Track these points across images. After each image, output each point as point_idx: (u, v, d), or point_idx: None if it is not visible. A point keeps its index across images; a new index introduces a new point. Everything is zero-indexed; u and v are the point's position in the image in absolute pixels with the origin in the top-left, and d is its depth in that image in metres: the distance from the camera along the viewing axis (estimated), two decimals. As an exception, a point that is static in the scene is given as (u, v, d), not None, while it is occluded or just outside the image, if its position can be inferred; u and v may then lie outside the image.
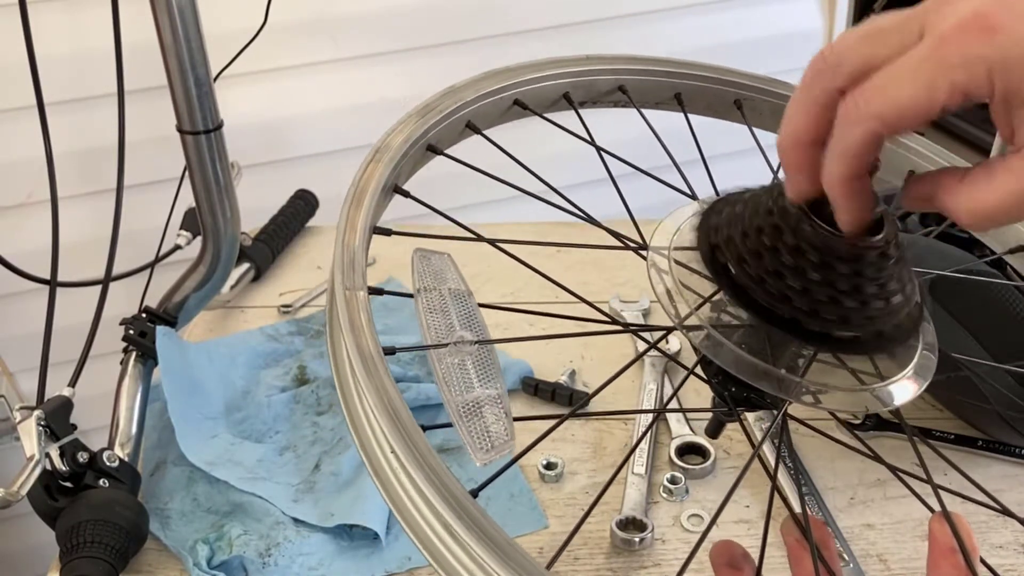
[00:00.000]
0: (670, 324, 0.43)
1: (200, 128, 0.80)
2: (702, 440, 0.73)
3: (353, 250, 0.41)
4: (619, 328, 0.51)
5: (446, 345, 0.41)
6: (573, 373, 0.83)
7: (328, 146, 1.35)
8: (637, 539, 0.65)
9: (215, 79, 0.81)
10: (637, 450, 0.73)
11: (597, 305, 0.50)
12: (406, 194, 0.47)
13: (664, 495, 0.70)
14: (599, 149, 0.54)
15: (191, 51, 0.77)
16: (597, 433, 0.77)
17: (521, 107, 0.54)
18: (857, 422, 0.75)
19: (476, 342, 0.41)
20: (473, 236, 0.47)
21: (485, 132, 0.53)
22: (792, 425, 0.70)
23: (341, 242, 0.41)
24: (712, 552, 0.44)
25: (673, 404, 0.79)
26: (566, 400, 0.79)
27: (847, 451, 0.73)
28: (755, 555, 0.44)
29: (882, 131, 0.35)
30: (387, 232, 0.44)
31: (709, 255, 0.42)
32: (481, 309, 0.44)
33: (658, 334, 0.49)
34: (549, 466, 0.72)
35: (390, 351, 0.38)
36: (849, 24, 1.58)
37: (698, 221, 0.44)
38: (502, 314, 0.47)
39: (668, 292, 0.43)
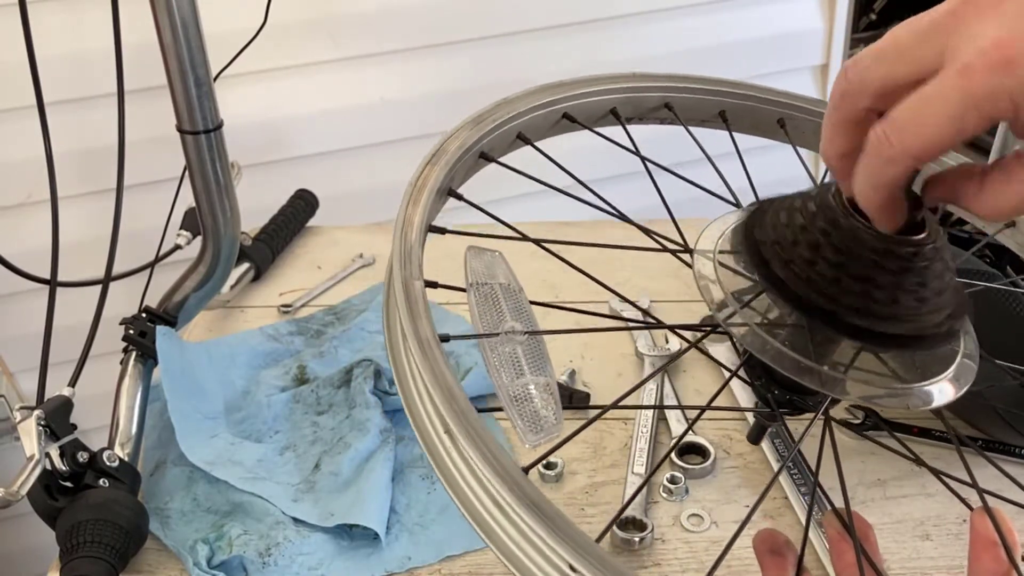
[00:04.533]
0: (711, 324, 0.45)
1: (200, 128, 0.80)
2: (702, 440, 0.73)
3: (411, 244, 0.43)
4: (658, 325, 0.54)
5: (497, 334, 0.43)
6: (573, 373, 0.83)
7: (328, 146, 1.35)
8: (637, 539, 0.65)
9: (215, 79, 0.81)
10: (637, 450, 0.73)
11: (637, 305, 0.51)
12: (459, 197, 0.50)
13: (664, 495, 0.70)
14: (644, 159, 0.56)
15: (191, 51, 0.77)
16: (597, 433, 0.77)
17: (570, 120, 0.56)
18: (857, 422, 0.75)
19: (527, 332, 0.43)
20: (519, 236, 0.49)
21: (535, 143, 0.55)
22: (793, 426, 0.70)
23: (400, 237, 0.43)
24: (756, 540, 0.44)
25: (669, 403, 0.79)
26: (566, 400, 0.79)
27: (847, 451, 0.73)
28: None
29: (917, 166, 0.37)
30: (442, 231, 0.47)
31: (754, 254, 0.43)
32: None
33: (697, 333, 0.50)
34: (549, 466, 0.72)
35: (444, 338, 0.39)
36: (849, 24, 1.58)
37: (742, 225, 0.45)
38: (537, 312, 0.49)
39: (708, 288, 0.45)
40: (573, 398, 0.79)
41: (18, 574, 1.45)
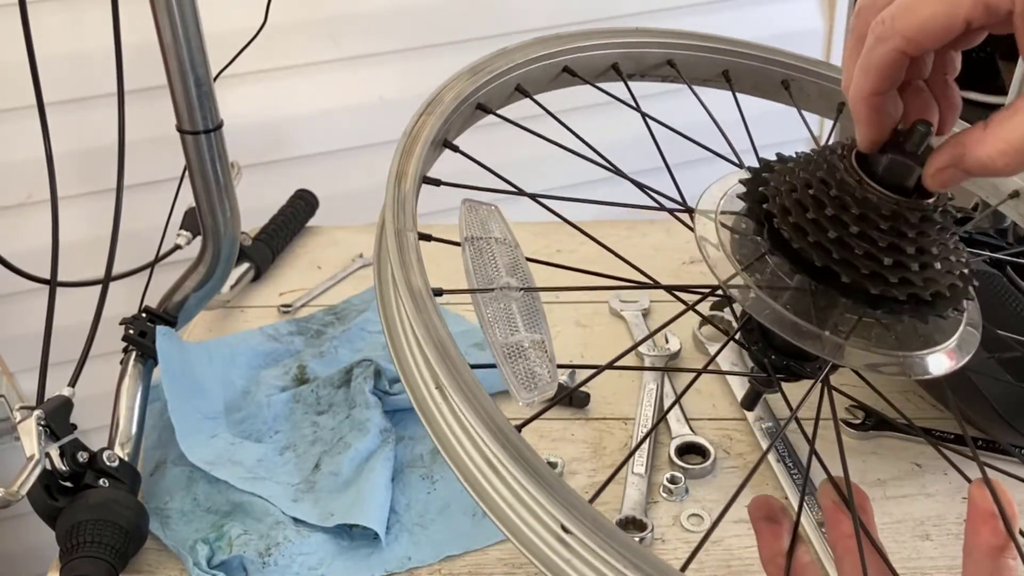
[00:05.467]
0: (712, 285, 0.44)
1: (200, 128, 0.80)
2: (702, 440, 0.73)
3: (404, 194, 0.41)
4: (655, 285, 0.53)
5: (492, 290, 0.41)
6: (573, 373, 0.83)
7: (328, 146, 1.35)
8: (637, 539, 0.65)
9: (215, 79, 0.81)
10: (637, 450, 0.73)
11: (635, 266, 0.50)
12: (455, 148, 0.48)
13: (664, 495, 0.70)
14: (644, 115, 0.54)
15: (191, 51, 0.77)
16: (597, 433, 0.77)
17: (570, 74, 0.54)
18: (857, 422, 0.75)
19: (522, 289, 0.42)
20: (515, 191, 0.48)
21: (534, 96, 0.53)
22: (793, 425, 0.70)
23: (393, 186, 0.42)
24: (751, 506, 0.44)
25: (670, 404, 0.79)
26: (566, 399, 0.79)
27: (847, 451, 0.73)
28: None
29: (906, 48, 0.37)
30: (436, 182, 0.45)
31: (759, 215, 0.43)
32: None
33: (695, 296, 0.49)
34: (549, 465, 0.72)
35: (438, 292, 0.38)
36: (849, 24, 1.58)
37: (746, 186, 0.44)
38: (534, 270, 0.47)
39: (708, 248, 0.44)
40: (573, 398, 0.79)
41: (18, 574, 1.45)
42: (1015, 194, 0.57)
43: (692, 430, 0.75)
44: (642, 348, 0.85)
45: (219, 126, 0.82)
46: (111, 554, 0.61)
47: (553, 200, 0.48)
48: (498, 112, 0.51)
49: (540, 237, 1.03)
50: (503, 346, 0.39)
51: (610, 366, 0.41)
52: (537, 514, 0.32)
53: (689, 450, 0.73)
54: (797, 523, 0.43)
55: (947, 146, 0.39)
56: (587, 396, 0.79)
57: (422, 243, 0.41)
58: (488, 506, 0.33)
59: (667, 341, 0.85)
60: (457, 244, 0.44)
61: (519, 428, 0.34)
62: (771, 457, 0.72)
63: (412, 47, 1.32)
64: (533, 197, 0.48)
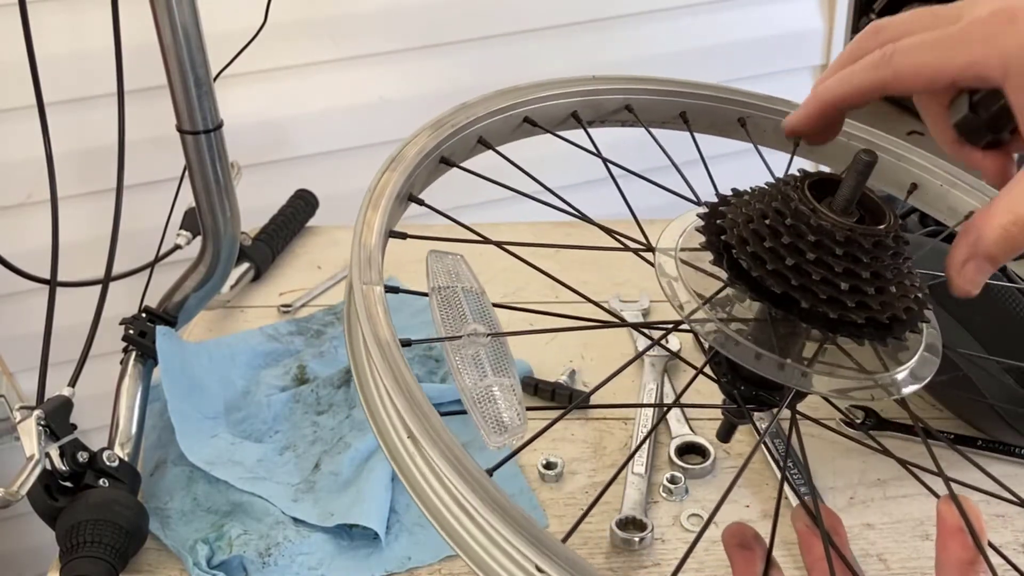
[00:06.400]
0: (675, 320, 0.44)
1: (200, 128, 0.80)
2: (702, 440, 0.73)
3: (370, 249, 0.42)
4: (621, 324, 0.54)
5: (460, 337, 0.42)
6: (573, 373, 0.83)
7: (328, 146, 1.35)
8: (637, 539, 0.65)
9: (215, 79, 0.81)
10: (637, 450, 0.73)
11: (599, 303, 0.51)
12: (420, 202, 0.49)
13: (664, 495, 0.70)
14: (606, 161, 0.55)
15: (191, 51, 0.77)
16: (597, 433, 0.77)
17: (531, 124, 0.56)
18: (858, 422, 0.75)
19: (489, 335, 0.43)
20: (481, 239, 0.49)
21: (497, 148, 0.55)
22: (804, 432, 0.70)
23: (358, 241, 0.43)
24: (724, 534, 0.45)
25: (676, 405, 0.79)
26: (566, 400, 0.79)
27: (847, 451, 0.73)
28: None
29: (891, 83, 0.41)
30: (402, 236, 0.46)
31: (717, 248, 0.43)
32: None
33: (660, 331, 0.50)
34: (549, 466, 0.72)
35: (406, 343, 0.39)
36: (849, 24, 1.59)
37: (704, 220, 0.45)
38: (503, 314, 0.48)
39: (671, 285, 0.45)
40: (573, 398, 0.79)
41: (18, 574, 1.45)
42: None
43: (692, 430, 0.75)
44: (642, 347, 0.84)
45: (219, 126, 0.82)
46: (111, 554, 0.61)
47: (518, 245, 0.49)
48: (462, 165, 0.53)
49: (537, 238, 1.03)
50: (472, 392, 0.41)
51: (587, 397, 0.41)
52: (512, 556, 0.32)
53: (689, 450, 0.74)
54: (770, 551, 0.43)
55: (961, 237, 0.40)
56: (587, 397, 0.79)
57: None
58: (463, 550, 0.33)
59: (667, 340, 0.85)
60: (425, 295, 0.45)
61: (490, 472, 0.35)
62: (770, 458, 0.72)
63: (412, 47, 1.32)
64: (499, 245, 0.49)
